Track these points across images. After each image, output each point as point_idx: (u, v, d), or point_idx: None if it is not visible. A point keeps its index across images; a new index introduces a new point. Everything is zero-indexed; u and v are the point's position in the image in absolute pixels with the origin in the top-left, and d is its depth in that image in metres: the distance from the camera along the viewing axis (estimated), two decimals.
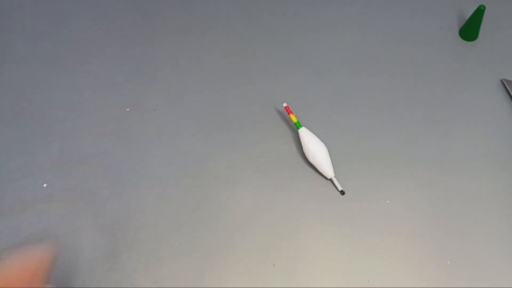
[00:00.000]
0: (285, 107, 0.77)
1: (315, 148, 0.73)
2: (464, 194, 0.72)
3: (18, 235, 0.71)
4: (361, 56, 0.85)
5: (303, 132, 0.75)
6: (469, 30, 0.85)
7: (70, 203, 0.73)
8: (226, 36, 0.88)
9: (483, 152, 0.75)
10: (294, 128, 0.78)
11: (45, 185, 0.75)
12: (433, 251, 0.68)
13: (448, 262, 0.67)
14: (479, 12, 0.81)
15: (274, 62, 0.85)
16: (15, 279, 0.53)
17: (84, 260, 0.69)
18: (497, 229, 0.69)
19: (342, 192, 0.72)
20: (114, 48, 0.88)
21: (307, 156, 0.74)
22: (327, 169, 0.72)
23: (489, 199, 0.71)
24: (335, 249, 0.68)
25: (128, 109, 0.81)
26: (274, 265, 0.68)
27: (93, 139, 0.79)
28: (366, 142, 0.76)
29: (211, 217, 0.71)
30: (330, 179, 0.73)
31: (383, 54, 0.85)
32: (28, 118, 0.81)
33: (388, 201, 0.72)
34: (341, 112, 0.79)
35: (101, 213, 0.72)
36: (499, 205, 0.71)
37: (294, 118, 0.76)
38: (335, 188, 0.73)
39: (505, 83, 0.81)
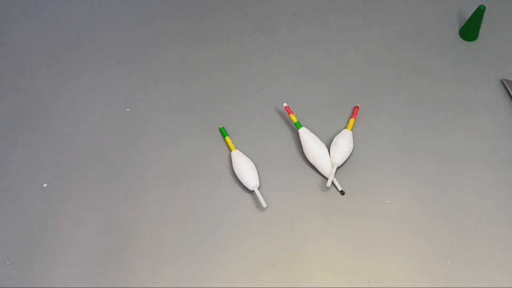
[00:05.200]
0: (285, 107, 0.77)
1: (315, 148, 0.73)
2: (464, 194, 0.72)
3: (19, 235, 0.71)
4: (361, 56, 0.85)
5: (303, 132, 0.75)
6: (469, 30, 0.85)
7: (70, 203, 0.73)
8: (226, 36, 0.88)
9: (483, 151, 0.75)
10: (294, 128, 0.78)
11: (45, 185, 0.75)
12: (433, 251, 0.68)
13: (448, 262, 0.67)
14: (479, 12, 0.81)
15: (275, 62, 0.85)
16: None
17: (84, 260, 0.69)
18: (497, 229, 0.69)
19: (342, 192, 0.72)
20: (114, 49, 0.88)
21: (307, 156, 0.74)
22: (327, 169, 0.72)
23: (489, 199, 0.71)
24: (335, 249, 0.68)
25: (128, 109, 0.81)
26: (274, 265, 0.68)
27: (93, 139, 0.79)
28: (365, 142, 0.76)
29: (211, 217, 0.71)
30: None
31: (383, 54, 0.85)
32: (28, 118, 0.81)
33: (388, 201, 0.72)
34: (341, 112, 0.79)
35: (101, 212, 0.72)
36: (499, 205, 0.71)
37: (294, 118, 0.76)
38: (335, 188, 0.73)
39: (505, 83, 0.81)
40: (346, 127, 0.77)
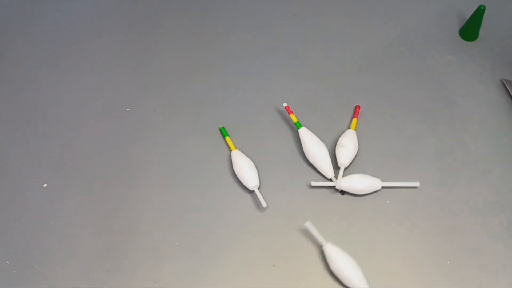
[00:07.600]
0: (285, 107, 0.77)
1: (315, 148, 0.73)
2: (464, 194, 0.72)
3: (19, 235, 0.71)
4: (361, 56, 0.85)
5: (303, 132, 0.75)
6: (469, 30, 0.85)
7: (70, 203, 0.73)
8: (225, 36, 0.88)
9: (483, 152, 0.75)
10: (294, 128, 0.78)
11: (45, 185, 0.75)
12: (433, 251, 0.68)
13: (448, 262, 0.67)
14: (479, 12, 0.81)
15: (275, 62, 0.85)
16: None
17: (84, 260, 0.69)
18: (497, 229, 0.69)
19: (342, 192, 0.72)
20: (114, 48, 0.88)
21: (307, 156, 0.74)
22: (327, 169, 0.72)
23: (489, 199, 0.71)
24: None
25: (128, 109, 0.81)
26: (274, 265, 0.68)
27: (93, 139, 0.79)
28: (365, 142, 0.76)
29: (211, 217, 0.71)
30: (330, 179, 0.73)
31: (383, 54, 0.85)
32: (28, 118, 0.81)
33: (388, 201, 0.72)
34: (341, 112, 0.80)
35: (101, 213, 0.72)
36: (499, 205, 0.71)
37: (294, 118, 0.76)
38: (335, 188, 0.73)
39: (505, 83, 0.81)
40: (348, 127, 0.77)
